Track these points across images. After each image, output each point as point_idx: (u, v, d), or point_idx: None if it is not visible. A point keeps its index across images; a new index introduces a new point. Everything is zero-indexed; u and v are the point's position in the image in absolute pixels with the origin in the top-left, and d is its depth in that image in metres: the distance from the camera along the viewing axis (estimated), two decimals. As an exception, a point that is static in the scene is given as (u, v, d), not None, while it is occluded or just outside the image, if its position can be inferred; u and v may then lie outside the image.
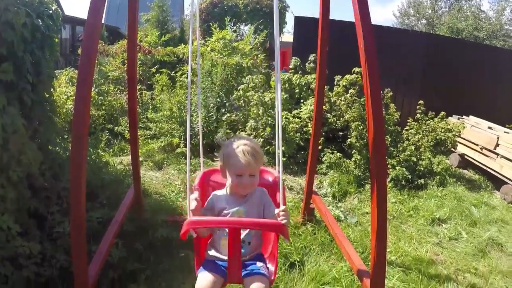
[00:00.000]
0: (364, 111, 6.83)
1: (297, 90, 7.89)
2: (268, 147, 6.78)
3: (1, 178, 2.87)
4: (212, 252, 2.42)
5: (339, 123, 7.49)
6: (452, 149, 8.27)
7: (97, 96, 7.89)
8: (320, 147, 6.76)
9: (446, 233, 5.11)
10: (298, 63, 8.15)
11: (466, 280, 4.06)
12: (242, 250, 2.26)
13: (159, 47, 12.05)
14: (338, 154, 6.80)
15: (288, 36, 19.06)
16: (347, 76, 7.64)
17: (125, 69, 7.40)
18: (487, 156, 7.34)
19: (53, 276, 3.09)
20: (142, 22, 17.51)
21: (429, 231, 5.15)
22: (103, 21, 2.78)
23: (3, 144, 2.83)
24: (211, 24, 10.34)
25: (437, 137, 7.49)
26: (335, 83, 7.81)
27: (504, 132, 7.35)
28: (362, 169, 6.60)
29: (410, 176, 6.48)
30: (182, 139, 7.14)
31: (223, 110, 7.68)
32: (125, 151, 6.98)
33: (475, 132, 7.85)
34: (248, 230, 2.33)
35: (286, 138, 6.77)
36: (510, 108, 10.53)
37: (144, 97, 8.95)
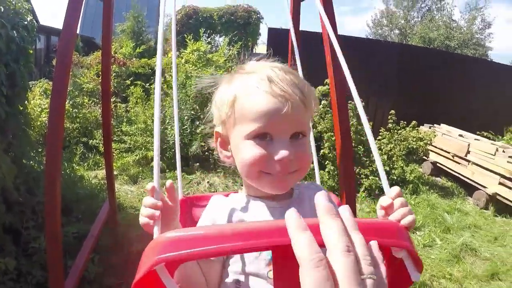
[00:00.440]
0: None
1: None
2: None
3: (-25, 193, 2.85)
4: None
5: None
6: (424, 157, 8.42)
7: (71, 109, 7.81)
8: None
9: (421, 240, 5.20)
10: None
11: (441, 286, 4.16)
12: None
13: (134, 59, 12.00)
14: (311, 165, 6.81)
15: (262, 46, 19.18)
16: (319, 88, 7.72)
17: (100, 81, 7.37)
18: (459, 163, 7.52)
19: (29, 292, 3.06)
20: (117, 32, 17.41)
21: (403, 239, 5.22)
22: (78, 31, 2.76)
23: (-23, 160, 2.81)
24: (186, 35, 10.36)
25: (409, 146, 7.61)
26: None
27: (475, 139, 7.53)
28: (336, 180, 6.66)
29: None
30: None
31: (198, 123, 7.67)
32: (100, 164, 6.92)
33: (446, 140, 8.03)
34: None
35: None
36: (483, 114, 10.81)
37: (119, 109, 8.88)
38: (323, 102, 7.50)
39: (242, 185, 1.31)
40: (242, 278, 1.10)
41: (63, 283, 2.60)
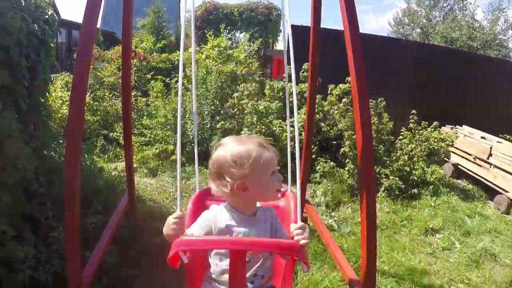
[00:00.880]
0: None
1: (291, 99, 7.88)
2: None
3: (-4, 182, 2.88)
4: (214, 284, 1.91)
5: (332, 132, 7.50)
6: (445, 158, 8.31)
7: (92, 102, 7.90)
8: (314, 156, 6.77)
9: (440, 243, 5.12)
10: (293, 72, 8.13)
11: (459, 291, 4.09)
12: (251, 286, 1.85)
13: (154, 54, 12.07)
14: (332, 163, 6.80)
15: (282, 44, 19.11)
16: (340, 85, 7.67)
17: (120, 75, 7.41)
18: (481, 166, 7.39)
19: (47, 280, 3.09)
20: (138, 27, 17.53)
21: (423, 241, 5.16)
22: (99, 26, 2.78)
23: (-1, 148, 2.84)
24: (206, 31, 10.37)
25: (430, 147, 7.52)
26: (328, 92, 7.85)
27: (497, 142, 7.40)
28: (355, 179, 6.59)
29: (403, 186, 6.48)
30: (176, 146, 7.10)
31: (218, 118, 7.68)
32: (120, 157, 6.98)
33: (468, 142, 7.90)
34: (261, 261, 1.87)
35: (280, 147, 6.78)
36: (504, 118, 10.60)
37: (139, 103, 8.96)
38: (343, 100, 7.45)
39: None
40: (222, 255, 1.85)
41: (81, 273, 2.61)
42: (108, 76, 9.31)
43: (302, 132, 4.74)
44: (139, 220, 4.49)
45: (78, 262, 2.55)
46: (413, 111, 7.83)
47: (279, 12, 19.36)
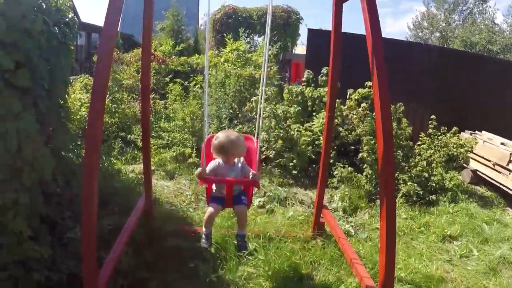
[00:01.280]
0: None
1: (309, 103, 7.89)
2: (280, 159, 6.80)
3: (15, 182, 2.90)
4: (217, 193, 3.60)
5: (351, 137, 7.45)
6: (464, 165, 8.20)
7: (111, 104, 7.95)
8: (332, 161, 6.73)
9: (457, 250, 5.05)
10: (311, 76, 8.15)
11: (476, 299, 4.02)
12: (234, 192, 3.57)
13: (173, 57, 12.15)
14: (350, 168, 6.77)
15: (301, 48, 19.12)
16: (359, 90, 7.62)
17: (139, 77, 7.44)
18: (500, 172, 7.27)
19: (62, 281, 3.10)
20: (157, 30, 17.66)
21: (440, 248, 5.10)
22: (118, 29, 2.79)
23: (17, 149, 2.86)
24: (225, 34, 10.39)
25: (449, 153, 7.44)
26: (347, 96, 7.81)
27: (517, 148, 7.27)
28: (373, 184, 6.54)
29: (421, 192, 6.43)
30: (194, 149, 7.15)
31: (236, 121, 7.69)
32: (138, 159, 7.02)
33: (487, 148, 7.78)
34: (239, 186, 3.66)
35: (297, 151, 6.77)
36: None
37: (157, 106, 9.00)
38: (362, 105, 7.40)
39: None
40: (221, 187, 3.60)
41: (97, 273, 2.63)
42: (127, 78, 9.37)
43: (321, 137, 4.75)
44: (156, 223, 4.51)
45: (95, 264, 2.57)
46: (432, 116, 7.75)
47: (298, 16, 19.37)
